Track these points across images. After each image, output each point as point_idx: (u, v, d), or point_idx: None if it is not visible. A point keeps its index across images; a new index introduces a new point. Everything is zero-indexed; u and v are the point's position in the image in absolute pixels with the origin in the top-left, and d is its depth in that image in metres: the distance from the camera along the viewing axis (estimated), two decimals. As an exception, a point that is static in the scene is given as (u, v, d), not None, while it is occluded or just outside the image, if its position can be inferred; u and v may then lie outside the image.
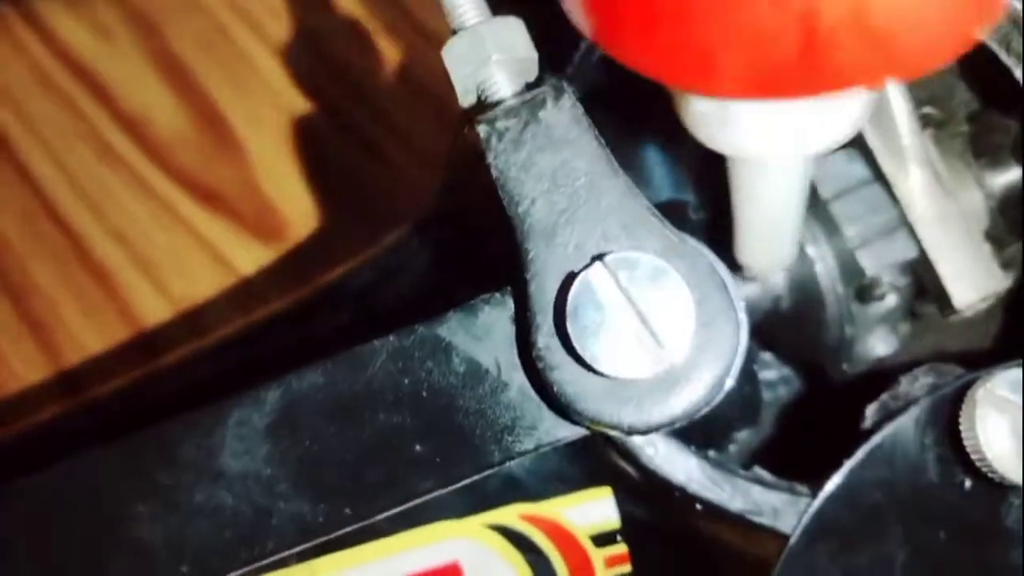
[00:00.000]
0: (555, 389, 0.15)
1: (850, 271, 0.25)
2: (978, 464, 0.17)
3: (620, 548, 0.20)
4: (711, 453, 0.26)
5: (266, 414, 0.16)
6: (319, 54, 0.47)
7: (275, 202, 0.44)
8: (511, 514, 0.20)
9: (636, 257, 0.14)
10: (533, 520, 0.20)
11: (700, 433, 0.20)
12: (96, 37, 0.49)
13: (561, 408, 0.15)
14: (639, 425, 0.14)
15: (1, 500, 0.17)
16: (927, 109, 0.29)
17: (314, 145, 0.46)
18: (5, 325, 0.42)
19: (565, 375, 0.14)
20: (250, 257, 0.43)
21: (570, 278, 0.14)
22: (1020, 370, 0.17)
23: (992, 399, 0.17)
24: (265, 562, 0.16)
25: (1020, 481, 0.17)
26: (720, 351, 0.15)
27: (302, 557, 0.20)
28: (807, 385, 0.29)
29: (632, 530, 0.20)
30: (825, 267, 0.25)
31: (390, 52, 0.47)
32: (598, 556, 0.20)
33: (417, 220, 0.25)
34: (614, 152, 0.26)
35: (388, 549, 0.20)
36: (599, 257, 0.14)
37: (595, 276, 0.14)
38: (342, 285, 0.24)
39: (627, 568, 0.20)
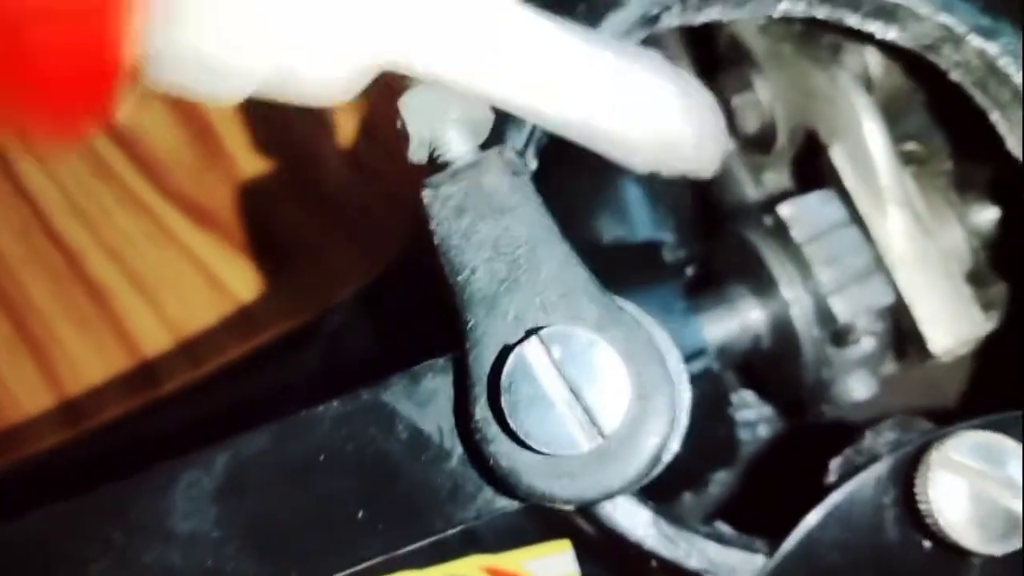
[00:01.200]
0: (491, 462, 0.15)
1: (825, 315, 0.25)
2: (932, 529, 0.17)
3: (579, 601, 0.20)
4: (687, 495, 0.26)
5: (215, 477, 0.16)
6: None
7: (267, 222, 0.44)
8: (472, 566, 0.20)
9: (570, 331, 0.14)
10: (494, 573, 0.20)
11: (676, 475, 0.20)
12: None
13: (498, 481, 0.15)
14: (574, 499, 0.14)
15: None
16: (910, 145, 0.28)
17: (307, 168, 0.46)
18: (5, 344, 0.43)
19: (500, 448, 0.14)
20: (242, 277, 0.43)
21: (506, 351, 0.14)
22: (979, 432, 0.17)
23: (947, 463, 0.17)
24: (211, 624, 0.16)
25: (975, 547, 0.17)
26: (656, 424, 0.14)
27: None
28: (788, 425, 0.28)
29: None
30: (801, 310, 0.25)
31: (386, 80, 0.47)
32: (557, 609, 0.20)
33: (388, 265, 0.25)
34: (591, 192, 0.25)
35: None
36: (535, 331, 0.14)
37: (529, 351, 0.14)
38: (315, 326, 0.24)
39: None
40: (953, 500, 0.17)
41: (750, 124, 0.29)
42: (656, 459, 0.15)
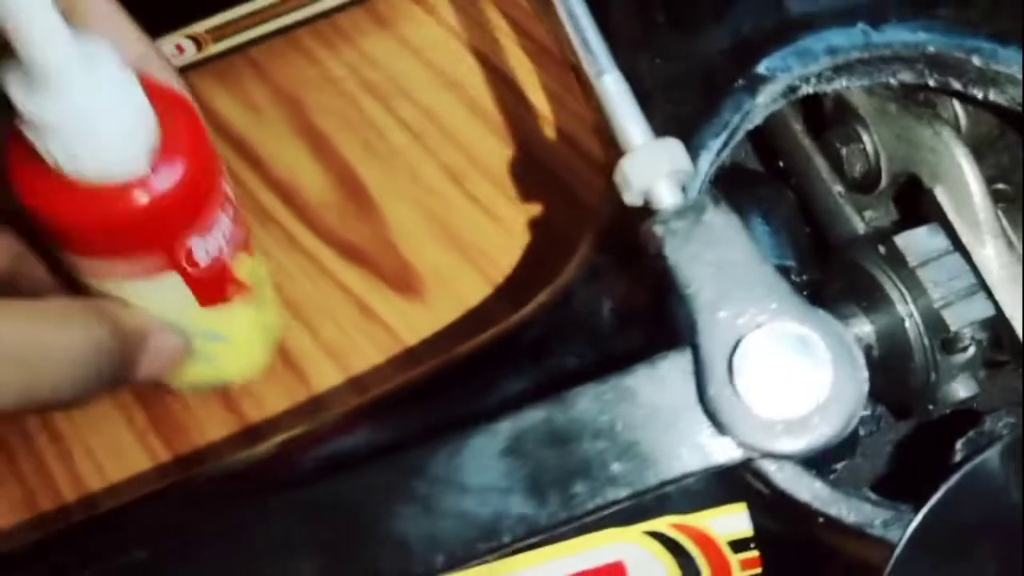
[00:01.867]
0: (723, 424, 0.20)
1: (935, 327, 0.29)
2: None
3: (753, 553, 0.25)
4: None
5: (499, 441, 0.21)
6: (444, 130, 0.54)
7: (410, 260, 0.50)
8: (664, 524, 0.25)
9: (785, 326, 0.19)
10: (682, 528, 0.25)
11: (808, 464, 0.25)
12: (247, 111, 0.56)
13: (727, 439, 0.20)
14: (786, 452, 0.19)
15: (280, 506, 0.22)
16: (999, 185, 0.33)
17: (442, 212, 0.52)
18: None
19: (731, 415, 0.20)
20: (390, 307, 0.49)
21: (736, 343, 0.20)
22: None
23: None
24: (499, 552, 0.21)
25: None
26: (848, 400, 0.20)
27: (503, 555, 0.25)
28: (898, 422, 0.33)
29: (763, 539, 0.25)
30: (913, 323, 0.30)
31: (513, 132, 0.53)
32: (735, 560, 0.25)
33: (577, 274, 0.30)
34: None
35: (561, 552, 0.25)
36: (758, 326, 0.20)
37: (755, 341, 0.19)
38: (515, 336, 0.30)
39: (759, 570, 0.25)
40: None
41: (856, 170, 0.34)
42: (848, 424, 0.20)
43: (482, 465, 0.21)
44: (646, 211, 0.23)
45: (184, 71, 0.55)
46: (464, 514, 0.21)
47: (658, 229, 0.21)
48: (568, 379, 0.22)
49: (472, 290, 0.49)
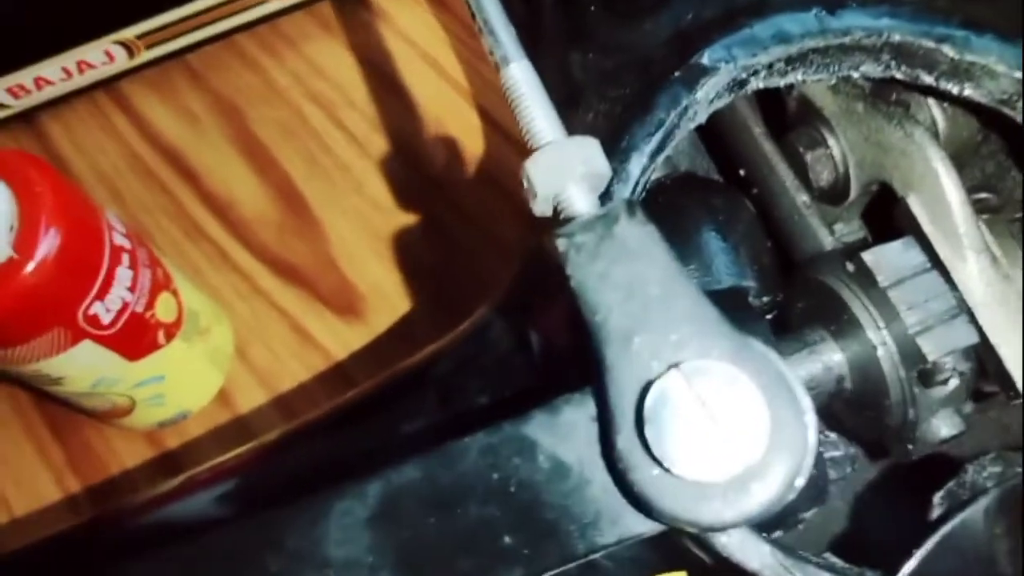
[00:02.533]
0: (635, 489, 0.16)
1: (911, 356, 0.26)
2: (1046, 556, 0.18)
3: (694, 631, 0.21)
4: (779, 534, 0.27)
5: (367, 505, 0.17)
6: (396, 143, 0.50)
7: (352, 280, 0.47)
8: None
9: (710, 365, 0.16)
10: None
11: (770, 516, 0.21)
12: (184, 122, 0.53)
13: (641, 506, 0.16)
14: (716, 523, 0.15)
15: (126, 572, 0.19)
16: (982, 195, 0.30)
17: (390, 228, 0.48)
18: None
19: (644, 476, 0.16)
20: (328, 330, 0.45)
21: (647, 384, 0.16)
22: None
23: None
24: (366, 643, 0.17)
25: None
26: (791, 451, 0.16)
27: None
28: (873, 463, 0.29)
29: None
30: (887, 352, 0.26)
31: (468, 148, 0.49)
32: (672, 639, 0.21)
33: (494, 307, 0.26)
34: (678, 243, 0.27)
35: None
36: (674, 365, 0.16)
37: (671, 384, 0.15)
38: (424, 372, 0.26)
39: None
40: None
41: (823, 178, 0.30)
42: (791, 486, 0.16)
43: (346, 536, 0.17)
44: (557, 224, 0.19)
45: (114, 80, 0.52)
46: (323, 596, 0.17)
47: (561, 243, 0.18)
48: (476, 420, 0.18)
49: (416, 311, 0.45)
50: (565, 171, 0.19)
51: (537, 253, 0.25)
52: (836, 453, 0.29)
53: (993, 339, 0.25)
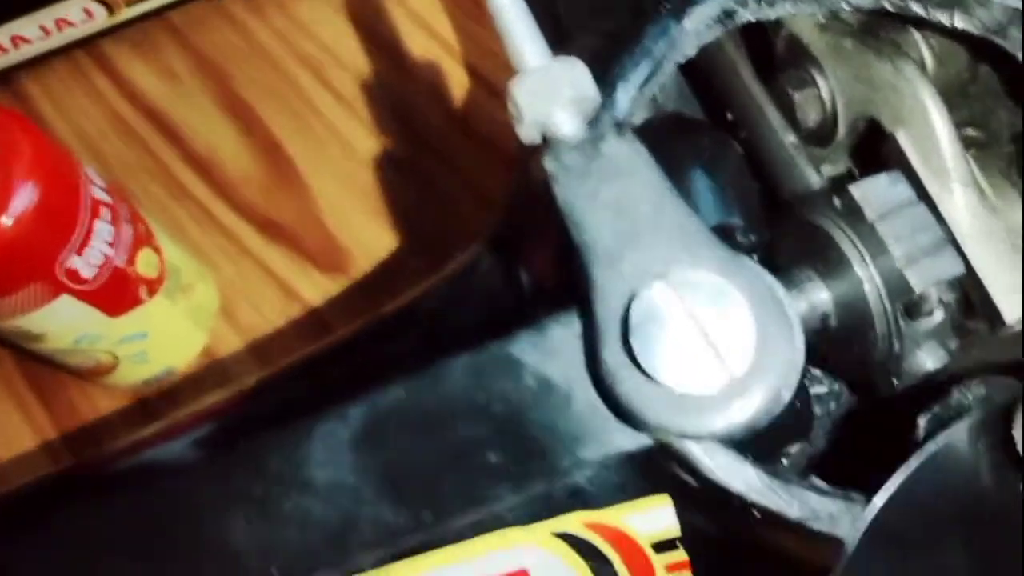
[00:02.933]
0: (622, 401, 0.16)
1: (898, 288, 0.26)
2: (1031, 469, 0.18)
3: (680, 555, 0.21)
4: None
5: (350, 427, 0.17)
6: (383, 101, 0.50)
7: (337, 236, 0.46)
8: (575, 522, 0.21)
9: (698, 276, 0.15)
10: (596, 528, 0.21)
11: (753, 448, 0.21)
12: (166, 82, 0.52)
13: (628, 418, 0.16)
14: (702, 433, 0.15)
15: (104, 510, 0.18)
16: (969, 131, 0.29)
17: (375, 184, 0.48)
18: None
19: (631, 387, 0.16)
20: (314, 287, 0.45)
21: (634, 297, 0.16)
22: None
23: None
24: (348, 566, 0.17)
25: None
26: (778, 365, 0.16)
27: (378, 562, 0.21)
28: (858, 399, 0.29)
29: (692, 538, 0.21)
30: (873, 285, 0.26)
31: (453, 100, 0.49)
32: (659, 563, 0.21)
33: (484, 242, 0.26)
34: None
35: (459, 555, 0.21)
36: (662, 276, 0.16)
37: (658, 294, 0.15)
38: (412, 309, 0.26)
39: (687, 574, 0.21)
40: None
41: (811, 118, 0.30)
42: (778, 400, 0.16)
43: (329, 457, 0.17)
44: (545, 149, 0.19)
45: (94, 39, 0.51)
46: (306, 519, 0.17)
47: (549, 164, 0.17)
48: (461, 345, 0.18)
49: (404, 267, 0.45)
50: (552, 94, 0.18)
51: (525, 188, 0.25)
52: (821, 390, 0.29)
53: (979, 270, 0.25)
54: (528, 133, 0.19)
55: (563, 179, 0.17)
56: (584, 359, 0.17)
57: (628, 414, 0.16)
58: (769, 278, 0.16)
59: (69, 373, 0.43)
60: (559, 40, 0.27)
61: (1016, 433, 0.18)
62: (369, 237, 0.47)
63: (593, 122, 0.18)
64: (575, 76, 0.19)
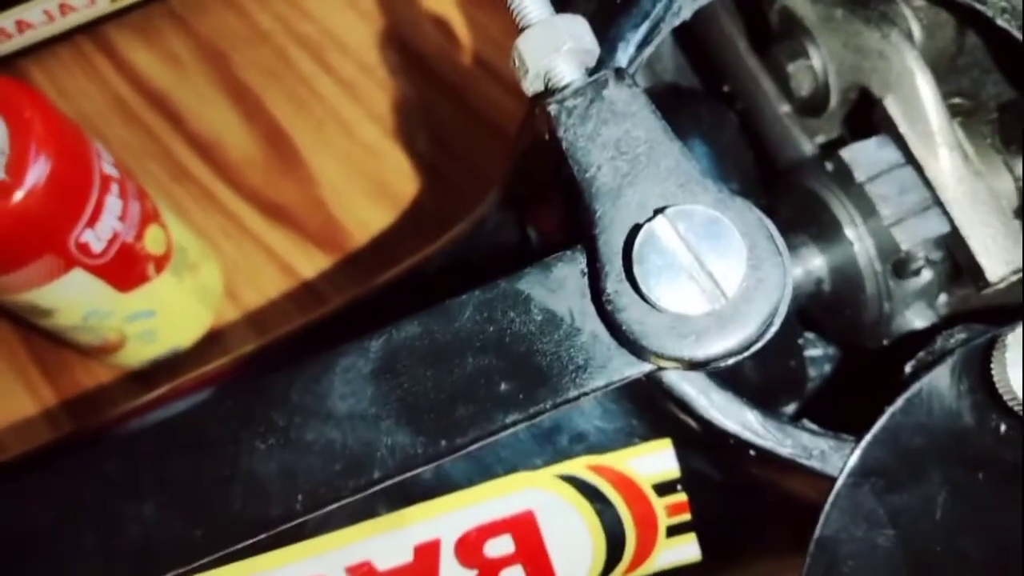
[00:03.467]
0: (623, 328, 0.17)
1: (886, 249, 0.27)
2: (1011, 405, 0.19)
3: (680, 497, 0.22)
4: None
5: (370, 360, 0.18)
6: (380, 83, 0.50)
7: (338, 217, 0.47)
8: (579, 465, 0.22)
9: (693, 209, 0.16)
10: (600, 470, 0.22)
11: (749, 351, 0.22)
12: (168, 66, 0.53)
13: (630, 345, 0.17)
14: (699, 357, 0.16)
15: (132, 443, 0.19)
16: (956, 99, 0.30)
17: (375, 166, 0.49)
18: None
19: (632, 315, 0.17)
20: (316, 268, 0.46)
21: (635, 230, 0.17)
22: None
23: (1022, 344, 0.19)
24: (370, 491, 0.18)
25: (1051, 418, 0.19)
26: (768, 292, 0.16)
27: (392, 506, 0.22)
28: (851, 361, 0.30)
29: (691, 480, 0.22)
30: (863, 246, 0.27)
31: (454, 84, 0.50)
32: (660, 505, 0.22)
33: (491, 203, 0.27)
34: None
35: (469, 499, 0.22)
36: (660, 211, 0.16)
37: (658, 227, 0.16)
38: (415, 274, 0.27)
39: (687, 516, 0.22)
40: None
41: (804, 88, 0.31)
42: (768, 325, 0.17)
43: (349, 389, 0.18)
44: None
45: (97, 24, 0.52)
46: (328, 447, 0.18)
47: (553, 108, 0.18)
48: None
49: (405, 247, 0.46)
50: (555, 46, 0.19)
51: (530, 144, 0.26)
52: (815, 352, 0.30)
53: (963, 230, 0.26)
54: (532, 84, 0.20)
55: (565, 121, 0.18)
56: (588, 291, 0.17)
57: (630, 341, 0.17)
58: (759, 212, 0.17)
59: (75, 352, 0.44)
60: (562, 3, 0.28)
61: (994, 373, 0.19)
62: (369, 218, 0.47)
63: (593, 72, 0.19)
64: (576, 29, 0.19)
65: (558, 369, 0.17)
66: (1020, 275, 0.27)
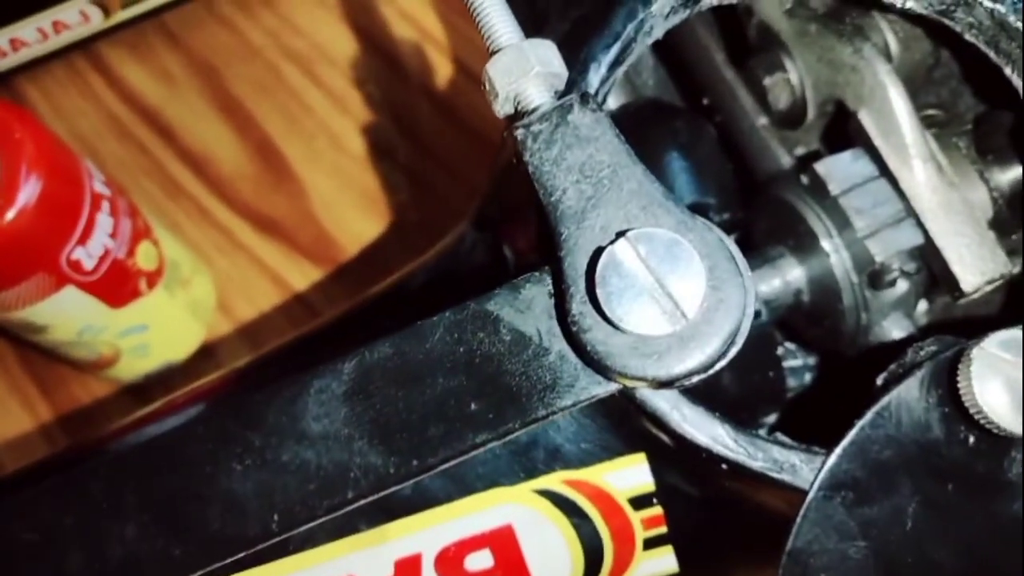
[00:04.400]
0: (588, 349, 0.17)
1: (862, 260, 0.27)
2: (977, 418, 0.19)
3: (656, 510, 0.22)
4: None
5: (343, 382, 0.18)
6: (370, 96, 0.51)
7: (330, 230, 0.48)
8: (556, 480, 0.22)
9: (654, 232, 0.17)
10: (576, 485, 0.22)
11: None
12: (161, 82, 0.53)
13: (595, 365, 0.17)
14: (662, 376, 0.17)
15: (112, 464, 0.20)
16: (931, 111, 0.31)
17: (366, 178, 0.49)
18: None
19: (596, 336, 0.17)
20: (307, 279, 0.46)
21: (598, 253, 0.17)
22: (1013, 331, 0.19)
23: (986, 357, 0.19)
24: (344, 511, 0.18)
25: (1018, 432, 0.19)
26: (729, 311, 0.17)
27: (373, 523, 0.22)
28: (831, 371, 0.30)
29: (667, 494, 0.22)
30: (839, 258, 0.27)
31: (441, 95, 0.50)
32: (637, 518, 0.22)
33: (471, 222, 0.27)
34: (642, 160, 0.28)
35: (442, 516, 0.22)
36: (622, 234, 0.17)
37: (619, 249, 0.17)
38: (401, 288, 0.27)
39: (663, 529, 0.23)
40: (994, 390, 0.19)
41: (782, 101, 0.31)
42: (730, 344, 0.17)
43: (323, 410, 0.18)
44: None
45: (90, 41, 0.52)
46: (302, 467, 0.18)
47: (519, 132, 0.19)
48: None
49: (395, 257, 0.46)
50: (523, 70, 0.20)
51: (505, 166, 0.26)
52: (795, 363, 0.31)
53: (938, 241, 0.27)
54: (502, 107, 0.20)
55: (531, 146, 0.18)
56: (555, 313, 0.18)
57: (595, 361, 0.17)
58: (720, 233, 0.17)
59: (71, 368, 0.45)
60: (535, 25, 0.28)
61: (960, 386, 0.19)
62: (360, 229, 0.48)
63: (561, 96, 0.20)
64: (544, 54, 0.20)
65: (527, 389, 0.18)
66: (995, 285, 0.27)
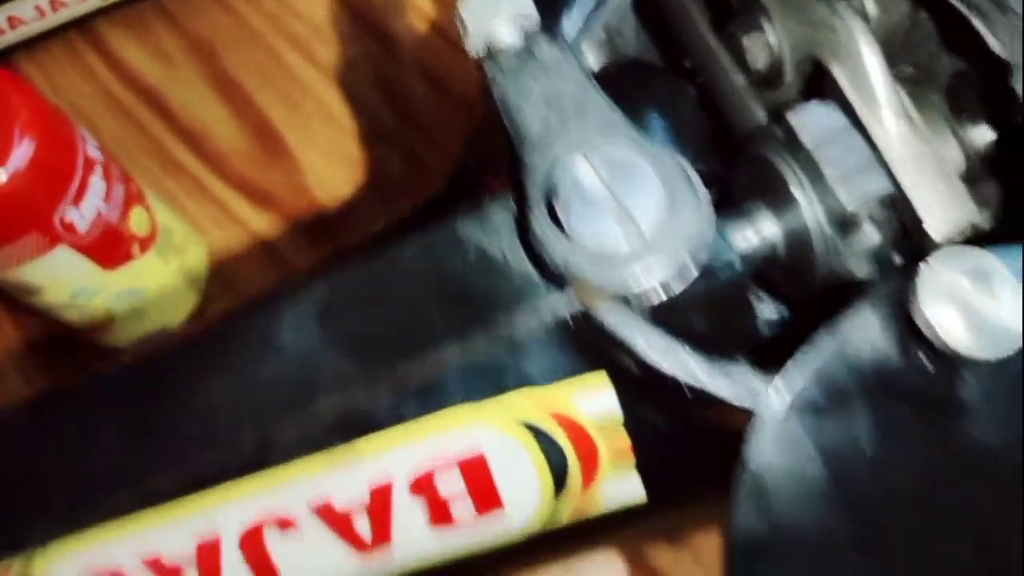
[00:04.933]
0: (548, 262, 0.18)
1: (833, 210, 0.27)
2: (929, 338, 0.20)
3: (624, 440, 0.23)
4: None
5: (316, 301, 0.19)
6: (368, 76, 0.52)
7: (324, 204, 0.48)
8: (524, 396, 0.23)
9: (612, 152, 0.17)
10: (553, 415, 0.23)
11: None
12: (159, 62, 0.54)
13: (556, 280, 0.18)
14: (618, 288, 0.17)
15: (90, 382, 0.20)
16: (907, 68, 0.31)
17: (361, 156, 0.50)
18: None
19: (557, 249, 0.18)
20: (301, 253, 0.47)
21: (560, 174, 0.18)
22: (963, 248, 0.20)
23: (937, 275, 0.20)
24: (318, 420, 0.19)
25: (969, 351, 0.19)
26: (686, 233, 0.18)
27: (345, 439, 0.23)
28: (805, 324, 0.31)
29: (634, 423, 0.23)
30: (812, 209, 0.28)
31: (436, 75, 0.51)
32: (605, 447, 0.23)
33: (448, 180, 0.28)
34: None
35: (420, 430, 0.23)
36: (582, 155, 0.18)
37: (579, 167, 0.17)
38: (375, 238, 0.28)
39: (632, 460, 0.23)
40: (946, 310, 0.19)
41: (760, 61, 0.32)
42: (687, 267, 0.18)
43: (298, 325, 0.19)
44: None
45: (89, 19, 0.53)
46: (276, 378, 0.19)
47: (488, 67, 0.19)
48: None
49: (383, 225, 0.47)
50: (494, 10, 0.20)
51: (483, 121, 0.27)
52: (771, 315, 0.31)
53: (908, 191, 0.27)
54: (474, 45, 0.21)
55: (500, 80, 0.19)
56: (518, 232, 0.18)
57: (554, 275, 0.18)
58: (679, 158, 0.18)
59: (68, 335, 0.45)
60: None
61: (911, 306, 0.20)
62: (357, 207, 0.49)
63: (531, 35, 0.20)
64: (516, -4, 0.21)
65: (491, 305, 0.19)
66: (963, 235, 0.27)
